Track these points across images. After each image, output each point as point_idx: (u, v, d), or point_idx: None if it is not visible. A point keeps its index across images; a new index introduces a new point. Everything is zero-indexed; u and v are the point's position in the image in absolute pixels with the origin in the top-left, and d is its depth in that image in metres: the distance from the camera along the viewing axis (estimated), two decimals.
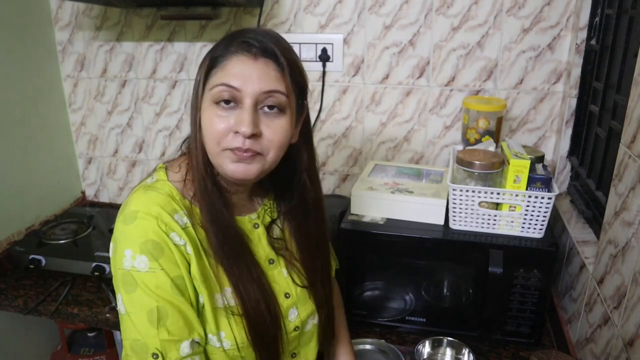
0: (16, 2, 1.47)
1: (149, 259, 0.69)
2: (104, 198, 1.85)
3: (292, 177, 0.84)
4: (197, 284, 0.73)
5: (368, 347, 1.13)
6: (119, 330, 0.74)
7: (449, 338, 1.11)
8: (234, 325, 0.75)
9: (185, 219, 0.74)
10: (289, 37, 1.47)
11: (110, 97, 1.69)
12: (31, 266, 1.38)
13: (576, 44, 1.27)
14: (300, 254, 0.87)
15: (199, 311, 0.74)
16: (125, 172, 1.80)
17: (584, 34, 1.26)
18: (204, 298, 0.73)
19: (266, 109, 0.72)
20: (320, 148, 1.59)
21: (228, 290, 0.76)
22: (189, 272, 0.73)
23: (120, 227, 0.71)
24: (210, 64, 0.72)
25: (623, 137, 0.88)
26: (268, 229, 0.86)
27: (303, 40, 1.47)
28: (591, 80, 1.25)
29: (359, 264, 1.17)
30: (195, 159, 0.75)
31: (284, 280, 0.85)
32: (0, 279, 1.40)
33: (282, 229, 0.88)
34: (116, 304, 0.74)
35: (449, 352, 1.11)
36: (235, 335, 0.75)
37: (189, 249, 0.73)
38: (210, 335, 0.74)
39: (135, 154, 1.76)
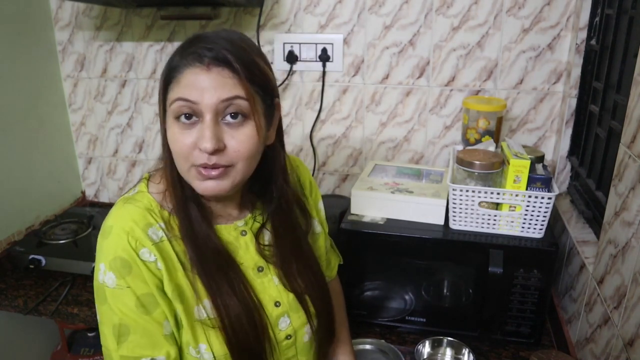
0: (16, 2, 1.47)
1: (117, 276, 0.69)
2: (104, 198, 1.85)
3: (270, 179, 0.82)
4: (172, 299, 0.72)
5: (368, 347, 1.13)
6: None
7: (449, 338, 1.11)
8: (214, 338, 0.74)
9: (161, 233, 0.73)
10: (289, 37, 1.51)
11: (110, 97, 1.69)
12: (31, 266, 1.38)
13: (576, 44, 1.27)
14: (292, 259, 0.84)
15: (179, 324, 0.74)
16: (125, 172, 1.80)
17: (584, 34, 1.26)
18: (179, 312, 0.73)
19: (229, 118, 0.69)
20: (320, 148, 1.59)
21: (207, 302, 0.74)
22: (162, 288, 0.72)
23: (99, 240, 0.72)
24: (167, 78, 0.70)
25: (623, 137, 0.88)
26: (258, 235, 0.83)
27: (303, 40, 1.47)
28: (591, 80, 1.25)
29: (359, 264, 1.17)
30: (167, 173, 0.75)
31: (274, 289, 0.82)
32: (0, 279, 1.40)
33: (273, 233, 0.84)
34: None
35: (449, 352, 1.11)
36: (214, 349, 0.74)
37: (160, 265, 0.71)
38: (190, 348, 0.74)
39: (135, 154, 1.76)
